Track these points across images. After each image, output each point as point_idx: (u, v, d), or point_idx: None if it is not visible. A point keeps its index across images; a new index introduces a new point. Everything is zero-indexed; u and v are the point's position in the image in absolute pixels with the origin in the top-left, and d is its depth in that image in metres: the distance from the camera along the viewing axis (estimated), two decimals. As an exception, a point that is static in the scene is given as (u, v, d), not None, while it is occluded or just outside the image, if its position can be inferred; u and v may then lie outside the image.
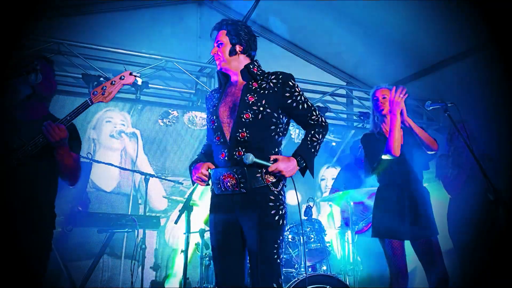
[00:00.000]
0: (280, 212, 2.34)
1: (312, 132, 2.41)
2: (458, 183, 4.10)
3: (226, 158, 2.34)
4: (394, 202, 3.33)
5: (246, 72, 2.47)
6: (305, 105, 2.42)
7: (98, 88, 2.50)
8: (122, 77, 2.53)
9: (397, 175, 3.38)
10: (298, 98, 2.40)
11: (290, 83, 2.41)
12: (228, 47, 2.46)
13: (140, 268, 4.09)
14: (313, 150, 2.38)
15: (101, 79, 5.03)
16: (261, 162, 2.27)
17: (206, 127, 2.57)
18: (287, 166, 2.29)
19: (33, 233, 2.41)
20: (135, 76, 2.55)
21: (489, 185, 2.80)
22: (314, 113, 2.44)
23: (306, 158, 2.35)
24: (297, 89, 2.42)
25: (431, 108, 3.45)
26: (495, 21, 4.30)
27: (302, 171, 2.38)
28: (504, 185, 3.99)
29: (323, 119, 2.45)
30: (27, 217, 2.41)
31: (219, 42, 2.47)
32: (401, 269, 3.26)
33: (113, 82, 2.52)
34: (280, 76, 2.41)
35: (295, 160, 2.33)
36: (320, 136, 2.41)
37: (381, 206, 3.40)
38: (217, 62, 2.49)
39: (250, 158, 2.23)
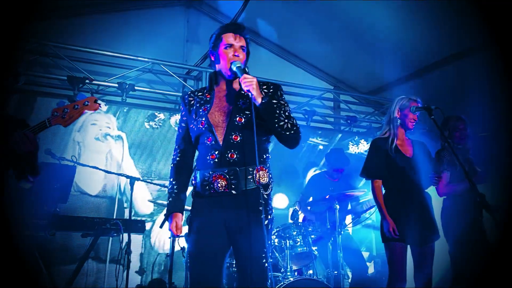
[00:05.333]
0: (269, 217, 2.39)
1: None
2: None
3: (216, 159, 2.36)
4: (402, 207, 3.41)
5: None
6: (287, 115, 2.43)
7: (59, 110, 2.38)
8: (86, 103, 2.42)
9: (406, 181, 3.47)
10: (283, 108, 2.41)
11: (279, 93, 2.50)
12: (245, 56, 2.52)
13: (125, 273, 4.04)
14: (276, 108, 2.36)
15: (86, 81, 4.97)
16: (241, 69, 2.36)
17: (182, 129, 2.58)
18: (257, 85, 2.32)
19: None
20: (99, 104, 2.46)
21: (474, 188, 2.82)
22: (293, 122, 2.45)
23: (269, 100, 2.35)
24: (283, 100, 2.48)
25: (416, 112, 3.50)
26: (488, 23, 4.31)
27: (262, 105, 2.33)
28: (499, 187, 4.02)
29: (298, 129, 2.44)
30: None
31: (244, 48, 2.50)
32: (402, 273, 3.35)
33: (76, 106, 2.40)
34: (271, 86, 2.51)
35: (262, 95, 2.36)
36: (288, 123, 2.38)
37: (388, 211, 3.44)
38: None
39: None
